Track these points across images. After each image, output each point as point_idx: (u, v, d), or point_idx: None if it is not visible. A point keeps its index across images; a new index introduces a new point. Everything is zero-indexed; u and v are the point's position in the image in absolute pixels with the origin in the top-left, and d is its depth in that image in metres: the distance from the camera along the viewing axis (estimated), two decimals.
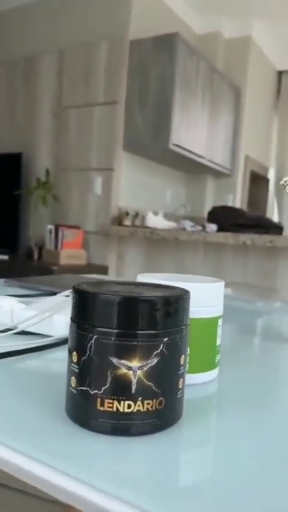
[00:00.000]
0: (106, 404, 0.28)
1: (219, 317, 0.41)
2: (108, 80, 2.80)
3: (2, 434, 0.28)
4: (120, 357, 0.28)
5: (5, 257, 2.80)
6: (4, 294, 0.74)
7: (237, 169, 3.65)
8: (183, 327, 0.30)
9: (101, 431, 0.28)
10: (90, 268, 2.76)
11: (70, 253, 2.72)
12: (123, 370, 0.27)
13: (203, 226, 2.75)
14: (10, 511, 0.78)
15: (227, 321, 0.72)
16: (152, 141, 2.76)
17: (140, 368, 0.28)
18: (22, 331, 0.50)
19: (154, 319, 0.28)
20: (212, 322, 0.40)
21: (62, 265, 2.62)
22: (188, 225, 2.78)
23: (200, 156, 3.10)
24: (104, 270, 2.80)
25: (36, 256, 2.80)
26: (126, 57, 2.79)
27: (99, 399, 0.28)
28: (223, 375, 0.43)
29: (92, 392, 0.28)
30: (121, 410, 0.28)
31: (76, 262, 2.74)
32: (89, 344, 0.28)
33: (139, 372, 0.28)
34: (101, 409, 0.28)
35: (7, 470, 0.26)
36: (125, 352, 0.27)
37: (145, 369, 0.28)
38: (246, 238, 2.39)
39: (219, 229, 2.70)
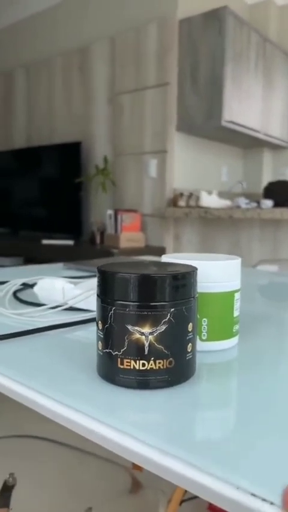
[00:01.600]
0: (125, 363, 0.35)
1: (235, 291, 0.46)
2: (159, 62, 2.81)
3: (47, 388, 0.35)
4: (134, 325, 0.34)
5: (70, 242, 2.96)
6: (62, 276, 0.84)
7: None
8: (190, 299, 0.36)
9: (122, 385, 0.35)
10: (148, 250, 2.84)
11: (129, 237, 2.81)
12: (137, 335, 0.34)
13: (258, 203, 2.71)
14: (78, 472, 0.88)
15: (259, 295, 0.76)
16: (205, 120, 2.75)
17: (150, 333, 0.34)
18: (71, 307, 0.58)
19: (162, 292, 0.34)
20: (228, 296, 0.45)
21: (122, 248, 2.73)
22: (242, 202, 2.75)
23: (255, 130, 3.03)
24: (161, 251, 2.87)
25: (98, 240, 2.94)
26: (175, 37, 2.77)
27: (119, 359, 0.35)
28: (243, 343, 0.48)
29: (113, 354, 0.35)
30: (137, 368, 0.34)
31: (135, 244, 2.84)
32: (109, 314, 0.35)
33: (150, 337, 0.34)
34: (121, 367, 0.35)
35: (51, 417, 0.34)
36: (137, 321, 0.34)
37: (155, 334, 0.34)
38: None
39: (276, 205, 2.65)
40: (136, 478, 0.84)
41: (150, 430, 0.29)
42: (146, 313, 0.34)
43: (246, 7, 3.41)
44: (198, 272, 0.44)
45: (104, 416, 0.31)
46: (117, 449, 0.29)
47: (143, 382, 0.35)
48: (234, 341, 0.46)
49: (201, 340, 0.44)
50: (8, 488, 0.74)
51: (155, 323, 0.34)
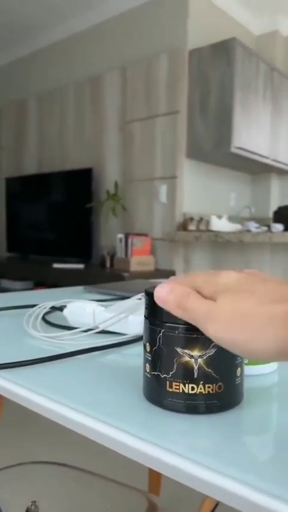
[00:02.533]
0: (174, 386, 0.34)
1: None
2: (169, 90, 2.89)
3: (92, 411, 0.35)
4: (183, 347, 0.34)
5: (80, 266, 2.98)
6: (87, 299, 0.84)
7: None
8: None
9: (170, 409, 0.35)
10: (158, 273, 2.84)
11: (139, 260, 2.83)
12: (187, 358, 0.34)
13: (268, 227, 2.72)
14: (97, 497, 0.86)
15: None
16: (214, 147, 2.80)
17: (200, 357, 0.34)
18: (102, 330, 0.58)
19: None
20: None
21: (132, 271, 2.74)
22: (252, 226, 2.77)
23: (264, 157, 3.08)
24: (171, 274, 2.87)
25: (108, 264, 2.95)
26: (185, 67, 2.86)
27: (168, 382, 0.35)
28: (283, 368, 0.48)
29: (162, 376, 0.35)
30: (186, 391, 0.34)
31: (145, 268, 2.84)
32: (158, 336, 0.35)
33: (200, 360, 0.34)
34: (170, 390, 0.35)
35: (96, 439, 0.34)
36: (187, 343, 0.34)
37: (205, 357, 0.34)
38: None
39: (286, 229, 2.66)
40: (153, 502, 0.83)
41: (202, 453, 0.29)
42: (195, 336, 0.34)
43: (254, 38, 3.51)
44: None
45: (155, 439, 0.31)
46: (173, 472, 0.28)
47: (192, 406, 0.34)
48: (274, 365, 0.46)
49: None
50: None
51: (205, 346, 0.34)
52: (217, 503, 1.05)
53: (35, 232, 3.52)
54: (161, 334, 0.35)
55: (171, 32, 2.92)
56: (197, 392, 0.34)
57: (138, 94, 3.05)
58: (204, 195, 3.10)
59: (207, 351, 0.34)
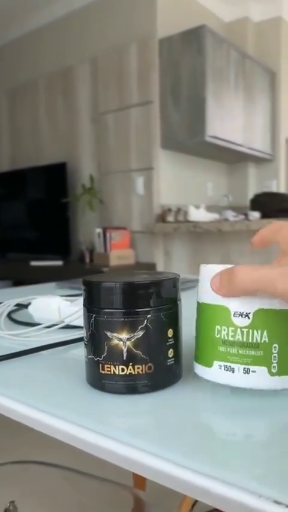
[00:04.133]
0: (106, 369, 0.35)
1: None
2: (141, 80, 2.87)
3: (42, 403, 0.35)
4: (112, 331, 0.34)
5: (59, 263, 2.96)
6: (56, 295, 0.83)
7: (278, 153, 3.58)
8: (169, 306, 0.36)
9: (106, 390, 0.35)
10: (138, 266, 2.85)
11: (119, 254, 2.82)
12: (115, 341, 0.34)
13: (246, 215, 2.74)
14: (80, 494, 0.86)
15: None
16: (188, 136, 2.80)
17: (128, 339, 0.34)
18: (67, 325, 0.57)
19: (136, 300, 0.34)
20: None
21: (112, 266, 2.73)
22: (229, 215, 2.79)
23: (238, 145, 3.09)
24: (151, 267, 2.88)
25: (87, 259, 2.94)
26: (156, 56, 2.84)
27: (100, 364, 0.35)
28: None
29: (95, 359, 0.35)
30: (117, 373, 0.34)
31: (125, 262, 2.84)
32: (91, 322, 0.36)
33: (128, 343, 0.34)
34: (103, 372, 0.35)
35: (39, 429, 0.34)
36: (115, 327, 0.34)
37: (133, 340, 0.34)
38: None
39: (263, 217, 2.68)
40: (139, 498, 0.82)
41: (136, 434, 0.29)
42: (122, 319, 0.34)
43: (224, 25, 3.51)
44: None
45: (92, 423, 0.31)
46: (106, 455, 0.29)
47: (124, 387, 0.35)
48: None
49: (271, 373, 0.32)
50: None
51: (133, 329, 0.34)
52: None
53: (12, 230, 3.48)
54: (93, 319, 0.36)
55: (140, 21, 2.90)
56: (127, 373, 0.34)
57: (110, 85, 3.02)
58: (181, 185, 3.10)
59: (135, 334, 0.34)
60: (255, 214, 2.69)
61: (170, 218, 2.85)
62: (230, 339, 0.32)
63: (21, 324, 0.62)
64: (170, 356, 0.37)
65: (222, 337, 0.33)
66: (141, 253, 2.96)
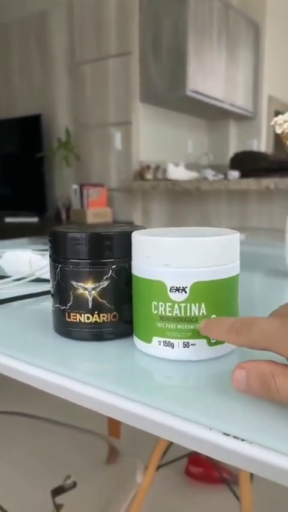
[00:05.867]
0: (72, 317, 0.36)
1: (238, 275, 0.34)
2: (119, 30, 2.74)
3: (7, 349, 0.36)
4: (77, 281, 0.35)
5: (35, 219, 2.92)
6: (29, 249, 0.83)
7: (260, 111, 3.53)
8: None
9: (71, 337, 0.36)
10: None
11: (96, 212, 2.79)
12: (81, 291, 0.35)
13: (225, 174, 2.73)
14: (56, 443, 0.89)
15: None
16: (168, 90, 2.72)
17: (93, 289, 0.35)
18: (38, 278, 0.57)
19: (101, 250, 0.35)
20: (233, 282, 0.33)
21: (89, 224, 2.72)
22: (209, 174, 2.77)
23: (220, 101, 3.03)
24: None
25: (64, 216, 2.90)
26: (136, 5, 2.70)
27: (67, 313, 0.36)
28: None
29: (62, 308, 0.36)
30: (83, 321, 0.35)
31: (102, 219, 2.82)
32: (57, 271, 0.36)
33: (93, 292, 0.35)
34: (69, 320, 0.36)
35: (5, 373, 0.35)
36: (81, 277, 0.35)
37: (98, 289, 0.35)
38: (269, 182, 2.36)
39: (242, 176, 2.68)
40: (113, 446, 0.85)
41: (100, 377, 0.30)
42: (88, 269, 0.35)
43: None
44: (191, 253, 0.31)
45: (57, 367, 0.32)
46: (72, 397, 0.30)
47: (90, 334, 0.36)
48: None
49: (210, 344, 0.32)
50: None
51: (98, 279, 0.35)
52: (170, 443, 1.11)
53: None
54: (59, 269, 0.36)
55: None
56: (92, 321, 0.35)
57: (88, 34, 2.87)
58: (160, 141, 3.05)
59: (100, 283, 0.35)
60: (235, 174, 2.68)
61: (149, 175, 2.82)
62: (168, 314, 0.31)
63: None
64: None
65: (160, 313, 0.32)
66: (119, 211, 2.94)
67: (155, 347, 0.32)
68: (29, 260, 0.61)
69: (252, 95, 3.45)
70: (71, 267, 0.35)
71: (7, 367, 0.34)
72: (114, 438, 1.11)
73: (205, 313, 0.31)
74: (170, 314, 0.31)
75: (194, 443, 0.24)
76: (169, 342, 0.32)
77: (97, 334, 0.36)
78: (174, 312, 0.31)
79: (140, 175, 2.85)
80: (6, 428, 0.93)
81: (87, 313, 0.35)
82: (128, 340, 0.36)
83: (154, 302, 0.32)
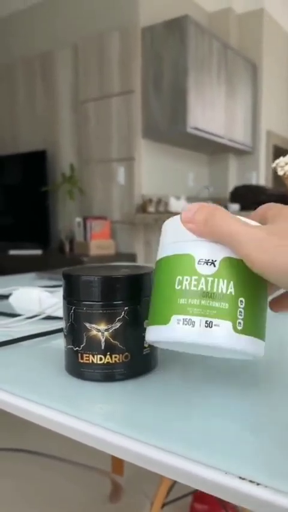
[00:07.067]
0: (85, 358, 0.36)
1: None
2: (122, 69, 2.85)
3: (19, 389, 0.36)
4: (91, 322, 0.36)
5: (38, 252, 2.94)
6: (37, 286, 0.84)
7: (259, 146, 3.62)
8: (145, 298, 0.38)
9: (83, 378, 0.37)
10: (119, 257, 2.85)
11: (99, 244, 2.82)
12: (94, 332, 0.36)
13: (225, 207, 2.77)
14: (59, 480, 0.87)
15: None
16: (169, 127, 2.80)
17: (106, 330, 0.36)
18: (48, 316, 0.58)
19: (114, 293, 0.36)
20: None
21: (92, 255, 2.74)
22: None
23: (220, 136, 3.11)
24: (132, 258, 2.89)
25: (67, 249, 2.93)
26: (138, 45, 2.82)
27: (79, 354, 0.37)
28: None
29: (75, 349, 0.37)
30: (95, 362, 0.36)
31: (105, 252, 2.85)
32: (70, 313, 0.37)
33: (106, 333, 0.36)
34: (81, 361, 0.37)
35: (15, 413, 0.35)
36: (94, 318, 0.36)
37: (111, 330, 0.36)
38: None
39: (242, 209, 2.72)
40: (117, 482, 0.84)
41: (111, 418, 0.31)
42: (101, 311, 0.36)
43: (207, 15, 3.50)
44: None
45: (70, 409, 0.32)
46: (86, 439, 0.30)
47: (102, 375, 0.36)
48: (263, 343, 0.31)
49: (236, 330, 0.29)
50: None
51: (110, 320, 0.36)
52: (175, 481, 1.09)
53: None
54: (72, 311, 0.37)
55: (122, 8, 2.86)
56: (105, 362, 0.36)
57: (91, 72, 2.99)
58: (162, 176, 3.11)
59: (113, 325, 0.36)
60: (235, 207, 2.73)
61: (151, 209, 2.86)
62: (193, 288, 0.28)
63: (2, 314, 0.62)
64: (146, 346, 0.38)
65: (184, 287, 0.29)
66: (122, 243, 2.97)
67: (173, 328, 0.29)
68: (39, 298, 0.62)
69: (250, 130, 3.55)
70: (84, 309, 0.36)
71: (18, 408, 0.34)
72: (117, 475, 1.08)
73: (233, 293, 0.28)
74: (195, 288, 0.28)
75: (211, 488, 0.24)
76: (190, 319, 0.28)
77: (108, 375, 0.36)
78: (200, 286, 0.28)
79: (143, 208, 2.89)
80: (9, 464, 0.92)
81: (99, 354, 0.36)
82: (137, 381, 0.37)
83: (179, 277, 0.29)
